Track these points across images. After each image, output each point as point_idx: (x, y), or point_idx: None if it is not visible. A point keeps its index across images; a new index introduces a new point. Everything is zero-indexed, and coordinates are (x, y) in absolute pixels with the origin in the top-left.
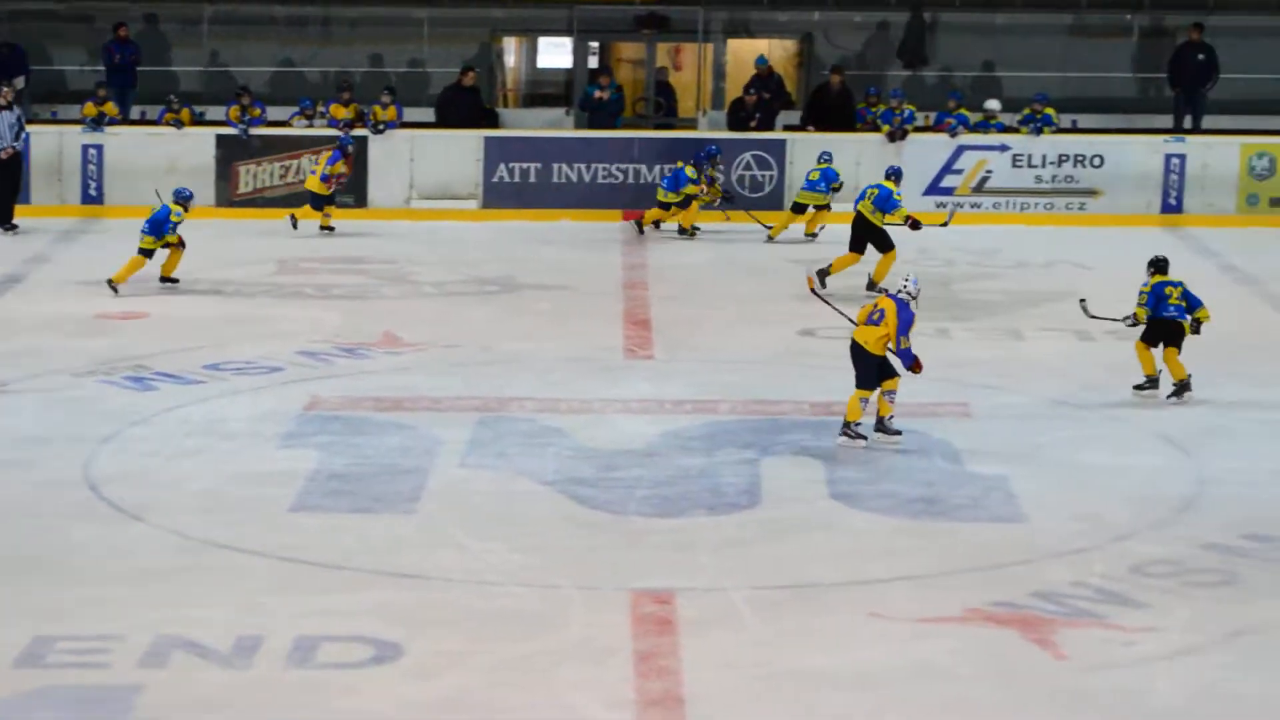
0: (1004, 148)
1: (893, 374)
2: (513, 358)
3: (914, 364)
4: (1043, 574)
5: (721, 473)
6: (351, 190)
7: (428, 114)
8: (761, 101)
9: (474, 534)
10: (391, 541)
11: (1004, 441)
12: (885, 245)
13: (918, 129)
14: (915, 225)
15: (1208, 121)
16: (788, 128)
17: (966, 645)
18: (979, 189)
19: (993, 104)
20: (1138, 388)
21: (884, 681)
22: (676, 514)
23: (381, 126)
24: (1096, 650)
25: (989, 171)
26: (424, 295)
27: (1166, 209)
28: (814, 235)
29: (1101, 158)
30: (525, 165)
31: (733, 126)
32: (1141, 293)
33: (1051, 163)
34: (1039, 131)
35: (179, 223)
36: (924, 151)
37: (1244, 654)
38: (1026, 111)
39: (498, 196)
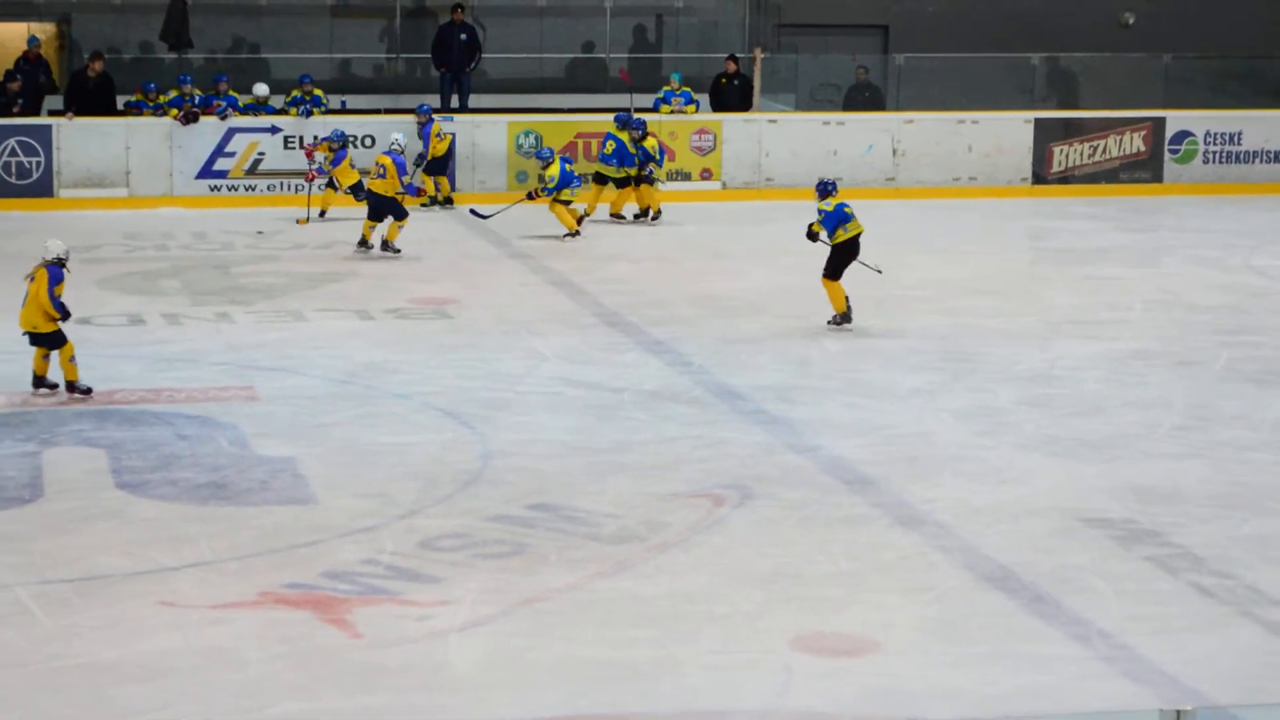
0: (275, 129)
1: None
2: None
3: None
4: (334, 554)
5: (2, 467)
6: None
7: None
8: (28, 87)
9: None
10: None
11: (290, 423)
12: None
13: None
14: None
15: (474, 101)
16: (52, 113)
17: (260, 629)
18: (252, 171)
19: (261, 89)
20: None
21: (176, 671)
22: None
23: None
24: (391, 626)
25: (261, 154)
26: None
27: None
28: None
29: (373, 138)
30: None
31: None
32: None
33: None
34: (308, 113)
35: None
36: (195, 135)
37: (533, 621)
38: (295, 93)
39: None
